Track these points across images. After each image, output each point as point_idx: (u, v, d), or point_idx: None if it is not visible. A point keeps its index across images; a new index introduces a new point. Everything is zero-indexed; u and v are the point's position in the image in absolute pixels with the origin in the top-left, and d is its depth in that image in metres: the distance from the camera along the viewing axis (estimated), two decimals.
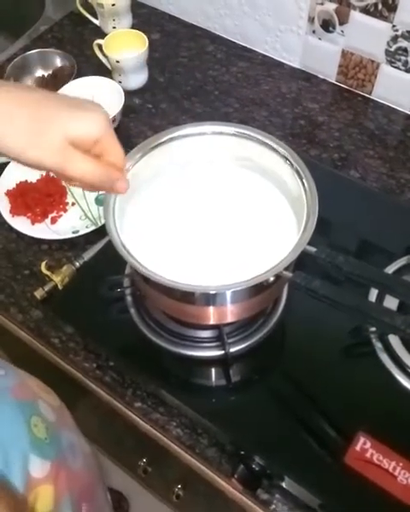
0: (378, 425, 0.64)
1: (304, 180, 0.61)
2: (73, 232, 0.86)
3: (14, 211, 0.88)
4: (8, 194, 0.90)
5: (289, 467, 0.63)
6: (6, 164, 0.93)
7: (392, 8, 0.88)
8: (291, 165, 0.63)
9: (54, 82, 1.06)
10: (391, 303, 0.71)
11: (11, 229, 0.87)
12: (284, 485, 0.65)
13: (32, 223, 0.88)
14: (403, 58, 0.94)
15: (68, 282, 0.80)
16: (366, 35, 0.95)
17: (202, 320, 0.66)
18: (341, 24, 0.96)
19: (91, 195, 0.91)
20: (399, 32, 0.91)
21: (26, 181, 0.91)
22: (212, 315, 0.63)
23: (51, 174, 0.93)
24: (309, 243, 0.56)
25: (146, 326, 0.72)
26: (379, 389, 0.68)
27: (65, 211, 0.90)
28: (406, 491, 0.59)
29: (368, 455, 0.61)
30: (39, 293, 0.81)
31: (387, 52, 0.95)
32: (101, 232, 0.84)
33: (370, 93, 1.04)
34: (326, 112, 1.03)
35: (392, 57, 0.95)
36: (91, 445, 0.73)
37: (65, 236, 0.86)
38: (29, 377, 0.69)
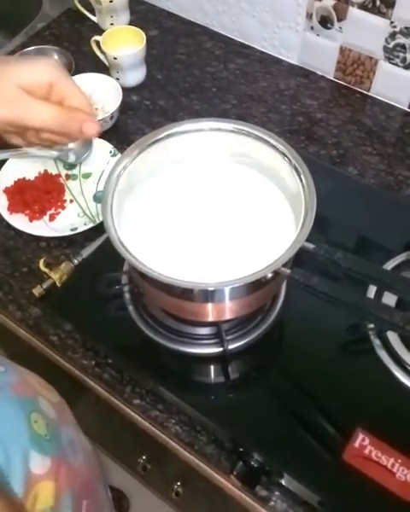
0: (377, 422, 0.64)
1: (302, 176, 0.61)
2: (72, 229, 0.86)
3: (12, 208, 0.88)
4: (6, 191, 0.89)
5: (288, 464, 0.63)
6: (4, 161, 0.92)
7: (390, 5, 0.88)
8: (289, 161, 0.63)
9: None
10: (390, 299, 0.71)
11: (9, 226, 0.87)
12: (282, 481, 0.66)
13: (30, 220, 0.88)
14: (401, 54, 0.94)
15: (67, 280, 0.80)
16: (365, 31, 0.95)
17: (200, 317, 0.66)
18: (339, 20, 0.96)
19: (90, 192, 0.91)
20: (397, 29, 0.91)
21: (24, 178, 0.91)
22: (210, 312, 0.63)
23: (50, 172, 0.93)
24: (307, 240, 0.56)
25: (144, 323, 0.72)
26: (378, 386, 0.68)
27: (63, 208, 0.90)
28: (404, 488, 0.59)
29: (367, 451, 0.61)
30: (38, 291, 0.81)
31: (385, 49, 0.95)
32: (99, 229, 0.84)
33: (368, 90, 1.03)
34: (324, 108, 1.03)
35: (390, 54, 0.95)
36: (90, 442, 0.73)
37: (63, 234, 0.85)
38: (29, 374, 0.69)
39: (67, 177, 0.94)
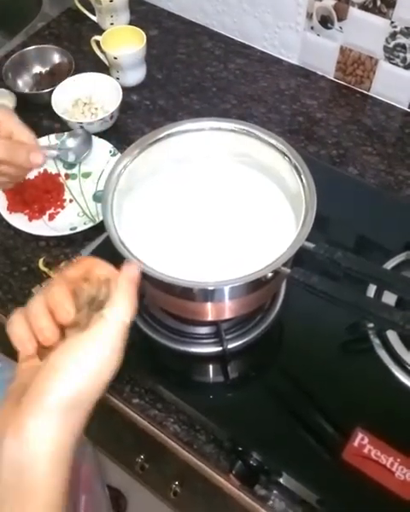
0: (376, 421, 0.64)
1: (302, 176, 0.61)
2: (71, 229, 0.86)
3: (12, 207, 0.88)
4: (6, 190, 0.89)
5: (287, 463, 0.63)
6: None
7: (390, 5, 0.88)
8: (290, 161, 0.63)
9: (51, 79, 1.05)
10: (389, 299, 0.71)
11: (9, 225, 0.87)
12: (281, 481, 0.66)
13: (30, 219, 0.88)
14: (402, 54, 0.94)
15: None
16: (365, 31, 0.95)
17: (200, 316, 0.66)
18: (339, 20, 0.96)
19: (89, 192, 0.91)
20: (397, 29, 0.91)
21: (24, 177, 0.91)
22: (210, 311, 0.63)
23: (49, 171, 0.93)
24: (307, 239, 0.56)
25: (144, 322, 0.72)
26: (377, 385, 0.68)
27: (63, 207, 0.90)
28: (403, 487, 0.59)
29: (366, 451, 0.61)
30: (37, 290, 0.80)
31: (385, 48, 0.95)
32: (99, 229, 0.84)
33: (368, 90, 1.03)
34: (325, 108, 1.03)
35: (390, 54, 0.95)
36: (88, 441, 0.73)
37: (63, 233, 0.85)
38: None
39: (67, 176, 0.94)
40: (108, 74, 1.03)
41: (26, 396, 0.41)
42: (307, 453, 0.64)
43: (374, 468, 0.60)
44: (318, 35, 1.01)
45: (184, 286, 0.55)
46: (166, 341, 0.70)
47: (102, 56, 1.07)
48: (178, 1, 1.16)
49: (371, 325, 0.71)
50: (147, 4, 1.21)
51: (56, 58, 1.08)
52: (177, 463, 0.82)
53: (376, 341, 0.70)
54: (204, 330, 0.72)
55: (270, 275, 0.56)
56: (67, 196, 0.91)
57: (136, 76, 1.06)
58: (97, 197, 0.90)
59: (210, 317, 0.65)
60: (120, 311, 0.45)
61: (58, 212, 0.89)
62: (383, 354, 0.69)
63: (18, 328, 0.45)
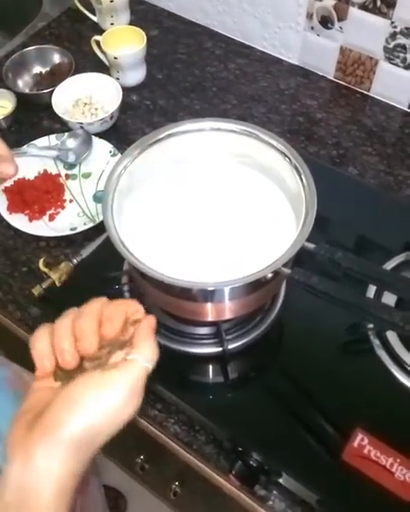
0: (376, 421, 0.64)
1: (303, 176, 0.61)
2: (71, 229, 0.86)
3: (12, 208, 0.88)
4: (6, 190, 0.89)
5: (287, 463, 0.63)
6: None
7: (391, 5, 0.88)
8: (290, 161, 0.63)
9: (52, 79, 1.05)
10: (389, 299, 0.71)
11: (9, 226, 0.87)
12: (281, 481, 0.66)
13: (30, 220, 0.87)
14: (402, 55, 0.94)
15: (66, 279, 0.80)
16: (365, 32, 0.95)
17: (200, 317, 0.66)
18: (339, 20, 0.96)
19: (89, 192, 0.91)
20: (397, 29, 0.91)
21: (24, 178, 0.91)
22: (210, 311, 0.63)
23: (49, 171, 0.93)
24: (308, 239, 0.56)
25: None
26: (377, 386, 0.68)
27: (63, 208, 0.90)
28: (403, 487, 0.59)
29: (366, 451, 0.61)
30: (37, 291, 0.80)
31: (385, 49, 0.95)
32: (99, 229, 0.84)
33: (368, 90, 1.03)
34: (325, 108, 1.03)
35: (390, 54, 0.95)
36: None
37: (63, 233, 0.85)
38: (24, 371, 0.69)
39: (67, 176, 0.94)
40: (109, 74, 1.03)
41: (39, 424, 0.40)
42: (306, 453, 0.64)
43: (374, 469, 0.60)
44: (318, 35, 1.01)
45: (184, 286, 0.55)
46: (166, 342, 0.70)
47: (102, 56, 1.06)
48: (179, 1, 1.16)
49: (371, 326, 0.71)
50: (147, 4, 1.21)
51: (57, 58, 1.08)
52: (177, 464, 0.82)
53: (376, 342, 0.70)
54: (204, 331, 0.72)
55: (270, 275, 0.56)
56: (67, 197, 0.91)
57: (136, 76, 1.06)
58: (97, 197, 0.90)
59: (210, 318, 0.65)
60: (146, 356, 0.45)
61: (58, 213, 0.89)
62: (382, 355, 0.69)
63: (40, 343, 0.45)
